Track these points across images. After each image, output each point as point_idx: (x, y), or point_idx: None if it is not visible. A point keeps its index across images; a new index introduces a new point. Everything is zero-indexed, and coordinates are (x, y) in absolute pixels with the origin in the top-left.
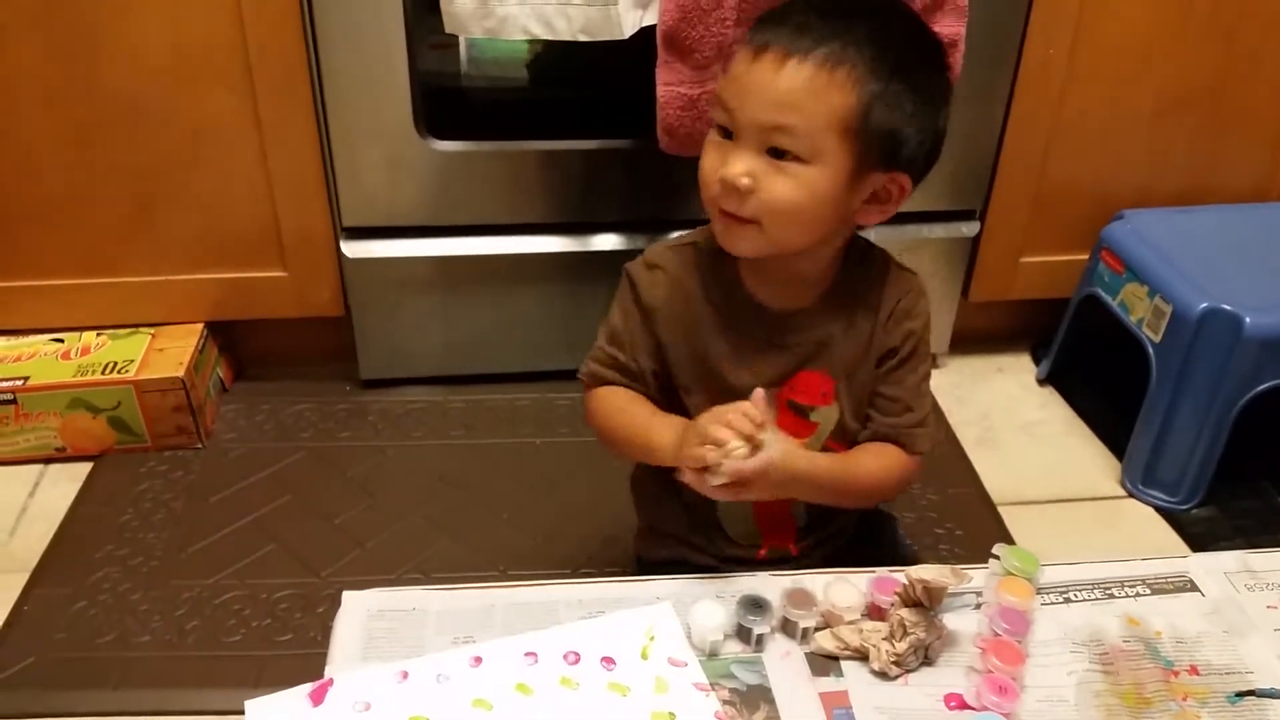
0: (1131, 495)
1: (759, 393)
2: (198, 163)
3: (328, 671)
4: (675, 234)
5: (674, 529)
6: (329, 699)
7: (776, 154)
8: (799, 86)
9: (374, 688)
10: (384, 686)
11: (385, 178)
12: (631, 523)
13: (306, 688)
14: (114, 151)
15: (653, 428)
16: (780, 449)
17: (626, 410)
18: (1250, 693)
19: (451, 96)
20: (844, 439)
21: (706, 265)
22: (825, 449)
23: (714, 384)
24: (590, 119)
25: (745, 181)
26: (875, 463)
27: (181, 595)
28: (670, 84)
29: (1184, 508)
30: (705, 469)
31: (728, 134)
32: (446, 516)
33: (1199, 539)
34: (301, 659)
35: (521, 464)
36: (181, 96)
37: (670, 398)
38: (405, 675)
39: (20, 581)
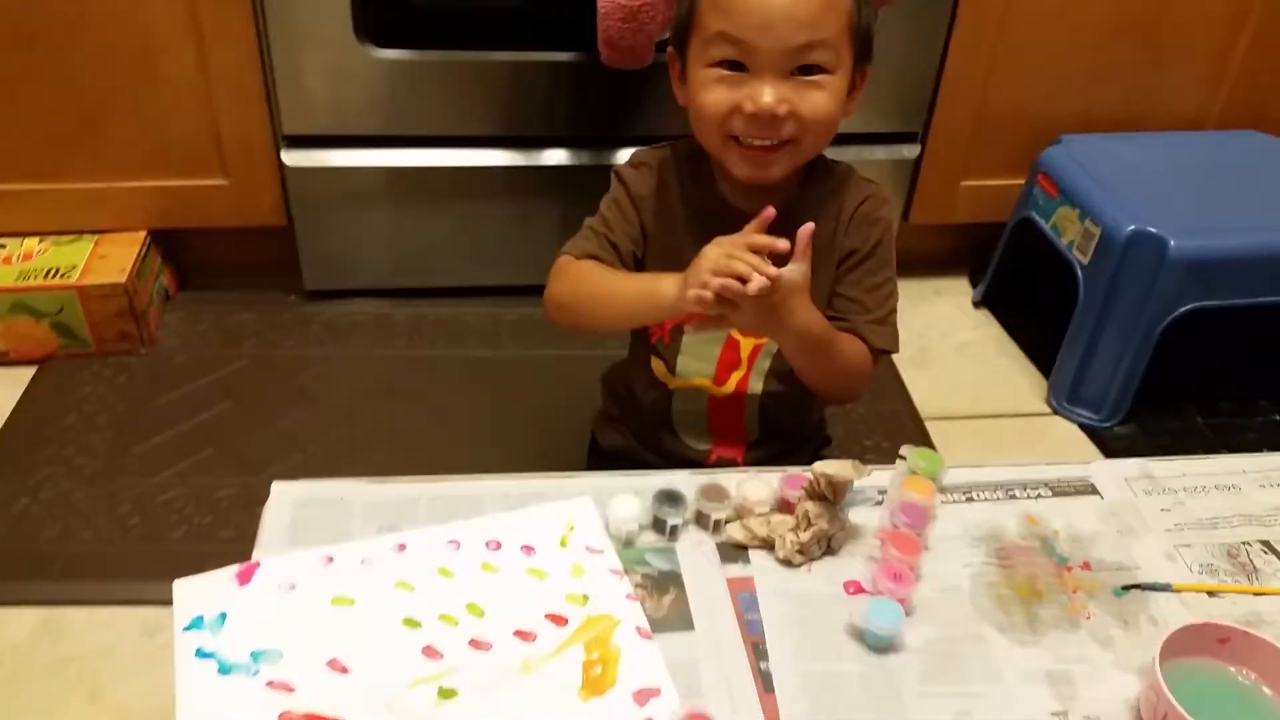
0: (1056, 413)
1: (770, 211)
2: (139, 69)
3: (255, 555)
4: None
5: (631, 423)
6: (255, 579)
7: (804, 71)
8: (819, 3)
9: (300, 570)
10: (309, 569)
11: (326, 86)
12: (575, 435)
13: (234, 568)
14: (56, 59)
15: (649, 277)
16: (790, 272)
17: (610, 274)
18: (1136, 586)
19: (394, 5)
20: None
21: (685, 167)
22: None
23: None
24: (536, 31)
25: (784, 108)
26: (850, 344)
27: (124, 494)
28: None
29: (1106, 425)
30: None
31: (732, 66)
32: (388, 425)
33: (1119, 455)
34: (242, 555)
35: (466, 376)
36: (122, 2)
37: None
38: (330, 559)
39: None
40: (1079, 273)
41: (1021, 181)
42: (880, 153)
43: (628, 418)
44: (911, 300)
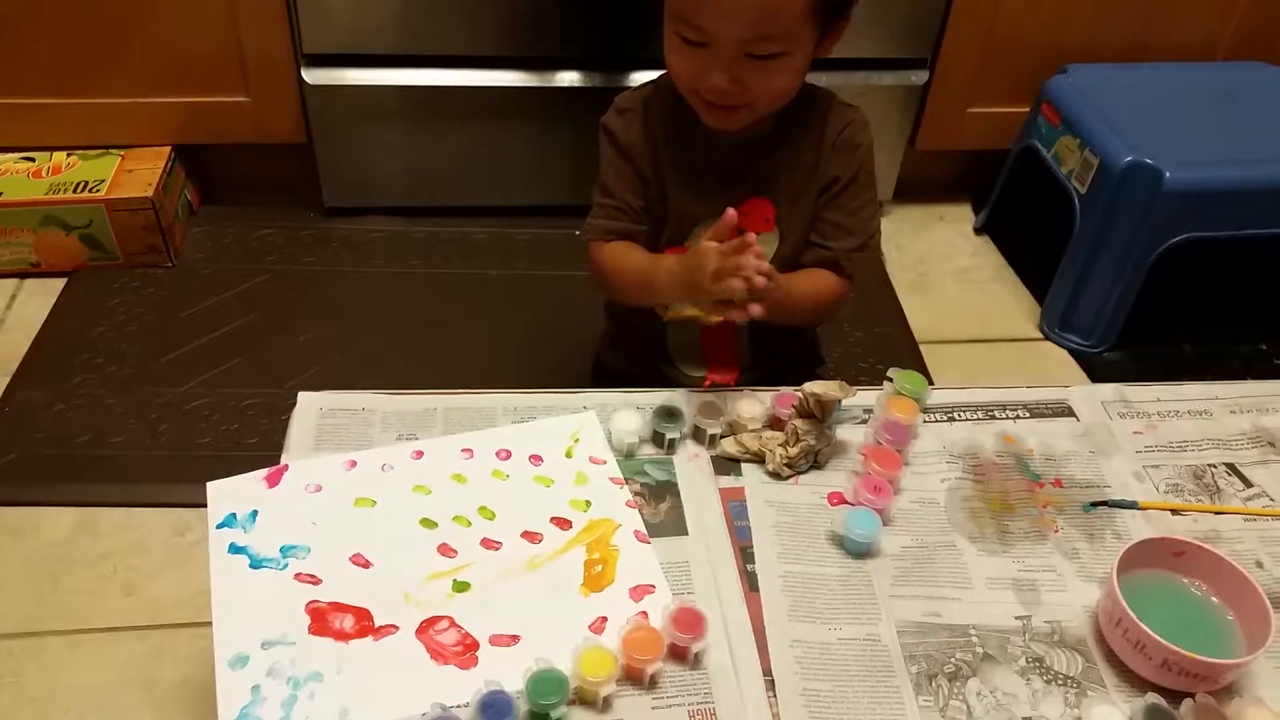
0: (1048, 338)
1: (731, 213)
2: None
3: (283, 459)
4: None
5: (630, 348)
6: (283, 482)
7: (759, 53)
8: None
9: (324, 473)
10: (334, 472)
11: (346, 4)
12: (582, 353)
13: (263, 472)
14: None
15: (647, 269)
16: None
17: (624, 258)
18: (1103, 503)
19: None
20: (783, 268)
21: (668, 103)
22: None
23: (673, 213)
24: None
25: (737, 87)
26: (810, 284)
27: (154, 401)
28: None
29: (1096, 351)
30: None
31: (693, 39)
32: (405, 339)
33: (1107, 382)
34: (267, 461)
35: (479, 293)
36: None
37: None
38: (353, 464)
39: (0, 385)
40: (1076, 202)
41: (1027, 110)
42: (888, 78)
43: (627, 343)
44: (914, 225)
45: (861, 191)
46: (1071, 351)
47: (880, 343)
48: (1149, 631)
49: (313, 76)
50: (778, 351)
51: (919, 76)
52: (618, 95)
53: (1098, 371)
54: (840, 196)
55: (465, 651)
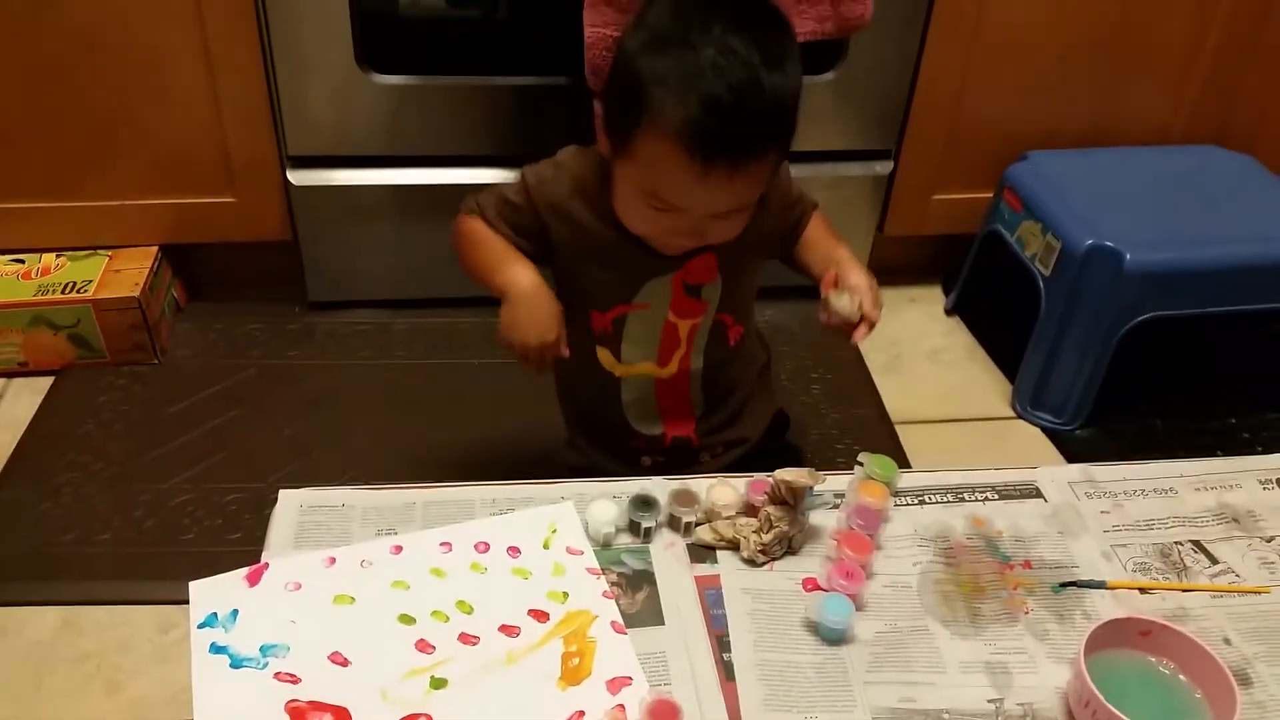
0: (1020, 417)
1: None
2: (150, 92)
3: (264, 558)
4: None
5: (592, 434)
6: (264, 580)
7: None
8: (750, 185)
9: (304, 571)
10: (313, 570)
11: (329, 109)
12: (561, 441)
13: (243, 571)
14: (71, 81)
15: (500, 267)
16: None
17: (489, 239)
18: (1073, 583)
19: (393, 30)
20: (733, 310)
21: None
22: (716, 321)
23: (616, 272)
24: (528, 57)
25: (695, 242)
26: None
27: (139, 498)
28: (597, 25)
29: (1068, 429)
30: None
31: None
32: (389, 431)
33: (1080, 458)
34: (251, 556)
35: (461, 384)
36: (133, 28)
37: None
38: (332, 561)
39: None
40: (1041, 284)
41: (990, 195)
42: (855, 169)
43: (582, 424)
44: (886, 308)
45: (796, 202)
46: (1044, 429)
47: (856, 424)
48: (1117, 713)
49: (297, 178)
50: (730, 390)
51: (884, 166)
52: (563, 151)
53: (1071, 449)
54: (799, 227)
55: None
